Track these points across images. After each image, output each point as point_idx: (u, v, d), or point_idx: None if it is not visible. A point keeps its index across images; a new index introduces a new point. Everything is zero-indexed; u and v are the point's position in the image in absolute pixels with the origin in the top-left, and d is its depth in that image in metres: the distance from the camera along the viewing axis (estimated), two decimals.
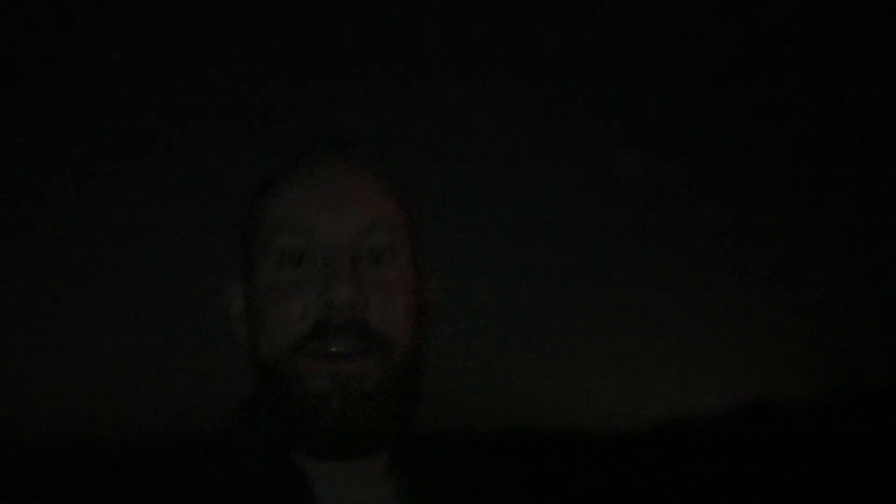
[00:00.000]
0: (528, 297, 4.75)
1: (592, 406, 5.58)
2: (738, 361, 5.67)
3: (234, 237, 1.45)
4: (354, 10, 4.69)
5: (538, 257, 4.94)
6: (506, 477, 1.52)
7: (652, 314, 5.49)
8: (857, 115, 5.17)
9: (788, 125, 5.27)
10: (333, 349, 1.32)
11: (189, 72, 4.48)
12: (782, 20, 5.01)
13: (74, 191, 4.59)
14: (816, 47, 5.07)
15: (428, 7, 4.68)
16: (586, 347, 5.30)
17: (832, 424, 5.73)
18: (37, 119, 4.53)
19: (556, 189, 5.21)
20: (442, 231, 1.50)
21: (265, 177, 1.45)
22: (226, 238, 1.48)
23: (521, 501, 1.50)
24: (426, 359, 1.41)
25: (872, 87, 5.08)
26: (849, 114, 5.18)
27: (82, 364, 4.53)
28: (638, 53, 5.10)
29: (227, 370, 1.48)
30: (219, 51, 4.51)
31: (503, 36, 4.90)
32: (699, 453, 5.75)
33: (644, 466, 5.62)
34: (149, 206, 4.40)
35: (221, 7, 4.47)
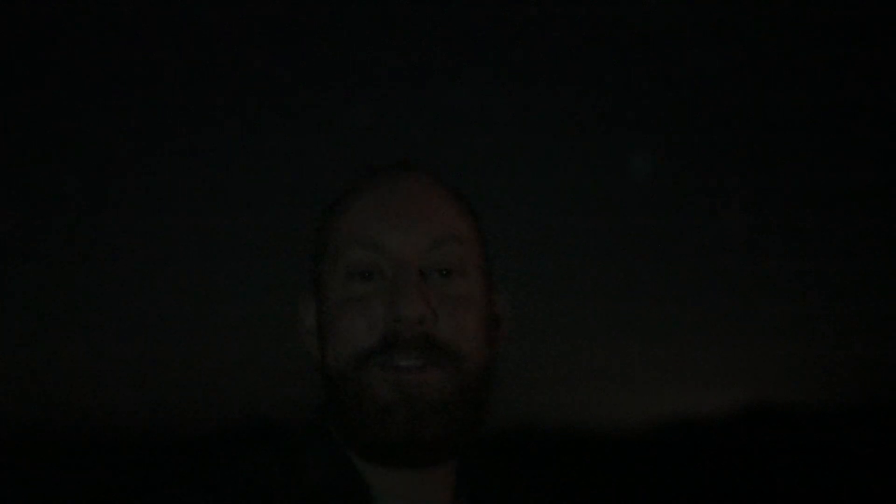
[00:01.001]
0: (537, 302, 4.77)
1: (612, 408, 5.59)
2: (742, 365, 5.67)
3: (307, 252, 1.48)
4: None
5: (546, 262, 4.95)
6: (565, 487, 1.53)
7: (659, 318, 5.49)
8: (876, 119, 5.17)
9: (803, 129, 5.27)
10: (402, 363, 1.34)
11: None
12: (798, 24, 5.00)
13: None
14: (834, 52, 5.07)
15: (447, 12, 4.69)
16: (593, 354, 5.31)
17: (835, 428, 5.74)
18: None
19: (565, 193, 5.21)
20: None
21: (336, 193, 1.47)
22: (298, 253, 1.50)
23: None
24: (494, 372, 1.42)
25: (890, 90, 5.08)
26: (868, 118, 5.18)
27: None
28: (652, 57, 5.10)
29: (297, 378, 1.50)
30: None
31: (518, 41, 4.91)
32: (704, 454, 5.76)
33: (658, 466, 5.63)
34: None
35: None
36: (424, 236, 1.38)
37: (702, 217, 5.48)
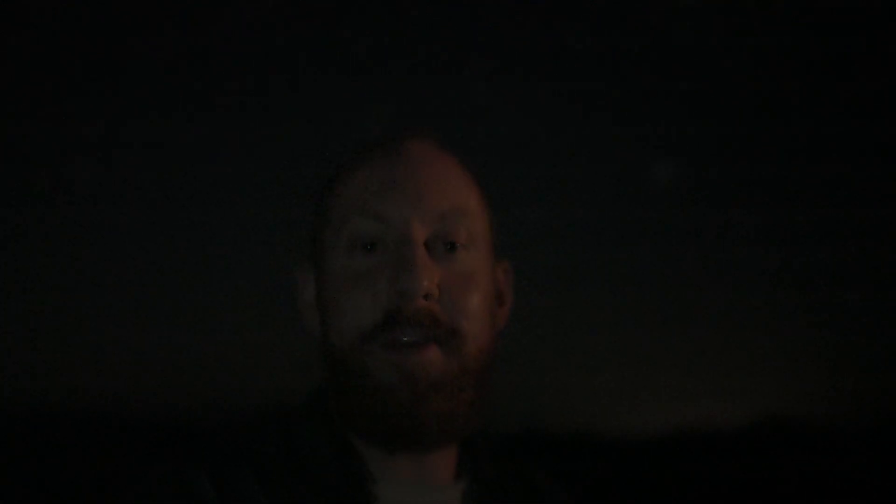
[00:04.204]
0: (547, 311, 4.74)
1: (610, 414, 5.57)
2: (753, 375, 5.65)
3: (306, 224, 1.42)
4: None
5: (562, 267, 4.92)
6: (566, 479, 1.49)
7: (671, 325, 5.46)
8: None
9: (822, 134, 5.24)
10: (404, 339, 1.29)
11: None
12: (815, 31, 4.98)
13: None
14: (849, 57, 5.04)
15: (468, 22, 4.69)
16: (602, 361, 5.29)
17: (845, 439, 5.72)
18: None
19: (583, 197, 5.19)
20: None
21: (339, 163, 1.41)
22: (297, 226, 1.45)
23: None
24: (499, 353, 1.37)
25: None
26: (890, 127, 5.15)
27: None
28: (669, 60, 5.08)
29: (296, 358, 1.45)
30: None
31: (538, 42, 4.90)
32: (714, 464, 5.74)
33: (663, 475, 5.61)
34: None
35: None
36: (430, 209, 1.33)
37: (720, 227, 5.45)
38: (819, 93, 5.14)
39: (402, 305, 1.29)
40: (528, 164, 4.97)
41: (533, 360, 4.82)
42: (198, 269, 4.59)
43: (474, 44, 4.87)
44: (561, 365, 5.13)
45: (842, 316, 5.44)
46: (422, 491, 1.35)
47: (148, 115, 4.68)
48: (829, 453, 5.69)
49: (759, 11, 4.94)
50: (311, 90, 4.71)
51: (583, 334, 5.25)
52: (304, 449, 1.35)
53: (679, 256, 5.32)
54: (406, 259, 1.30)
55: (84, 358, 4.62)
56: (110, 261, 4.69)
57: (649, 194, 5.29)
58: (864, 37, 5.02)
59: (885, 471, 5.37)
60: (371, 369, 1.30)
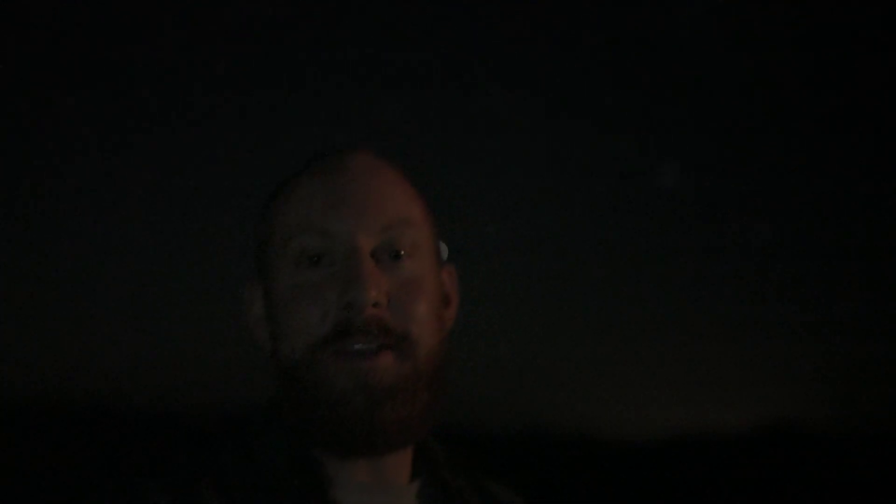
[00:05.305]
0: (553, 312, 4.74)
1: (613, 420, 5.56)
2: (758, 380, 5.63)
3: (251, 240, 1.44)
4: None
5: (561, 270, 4.92)
6: (526, 479, 1.51)
7: (674, 332, 5.45)
8: None
9: (829, 140, 5.22)
10: (356, 347, 1.32)
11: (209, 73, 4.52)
12: (823, 39, 4.96)
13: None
14: (858, 64, 5.02)
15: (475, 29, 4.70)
16: (608, 364, 5.29)
17: (849, 445, 5.69)
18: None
19: (580, 197, 5.19)
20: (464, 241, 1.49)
21: (281, 179, 1.44)
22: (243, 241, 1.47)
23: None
24: (450, 355, 1.40)
25: None
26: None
27: (118, 356, 4.59)
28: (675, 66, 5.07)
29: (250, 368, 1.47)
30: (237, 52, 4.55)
31: (541, 50, 4.90)
32: (718, 470, 5.72)
33: (667, 481, 5.60)
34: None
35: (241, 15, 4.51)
36: (374, 220, 1.36)
37: (725, 229, 5.43)
38: (823, 100, 5.13)
39: (351, 317, 1.32)
40: (529, 170, 4.98)
41: (540, 367, 4.83)
42: (194, 269, 4.62)
43: (472, 50, 4.88)
44: (565, 371, 5.13)
45: (846, 322, 5.42)
46: (378, 491, 1.38)
47: (148, 117, 4.71)
48: (834, 459, 5.67)
49: (761, 17, 4.93)
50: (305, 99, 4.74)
51: (586, 340, 5.25)
52: (262, 458, 1.37)
53: (684, 262, 5.31)
54: (353, 271, 1.33)
55: (78, 358, 4.65)
56: (109, 261, 4.72)
57: (653, 200, 5.28)
58: (867, 42, 5.01)
59: (889, 477, 5.36)
60: (324, 379, 1.33)
